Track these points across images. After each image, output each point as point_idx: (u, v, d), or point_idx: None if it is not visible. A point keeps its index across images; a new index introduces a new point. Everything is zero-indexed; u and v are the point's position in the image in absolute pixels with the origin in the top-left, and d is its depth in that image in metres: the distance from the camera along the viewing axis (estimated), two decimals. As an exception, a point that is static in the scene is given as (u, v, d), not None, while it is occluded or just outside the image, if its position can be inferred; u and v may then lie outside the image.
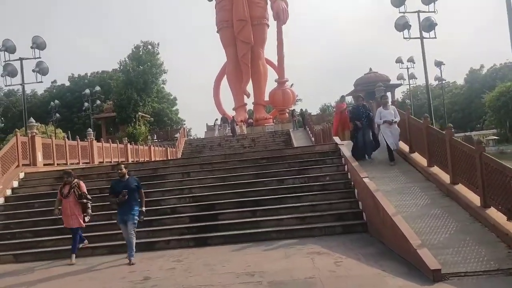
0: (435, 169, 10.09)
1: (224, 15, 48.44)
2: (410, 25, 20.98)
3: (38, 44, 19.94)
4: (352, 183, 11.51)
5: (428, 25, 20.94)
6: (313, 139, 34.78)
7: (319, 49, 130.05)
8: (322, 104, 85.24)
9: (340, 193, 11.45)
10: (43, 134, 29.57)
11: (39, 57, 20.21)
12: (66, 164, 17.11)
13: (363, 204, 10.41)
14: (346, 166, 12.55)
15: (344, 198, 11.20)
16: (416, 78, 43.89)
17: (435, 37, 21.11)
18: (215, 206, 11.40)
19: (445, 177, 9.41)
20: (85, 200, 9.47)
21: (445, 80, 50.65)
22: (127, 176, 9.00)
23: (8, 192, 13.21)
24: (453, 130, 8.96)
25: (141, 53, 41.52)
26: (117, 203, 8.80)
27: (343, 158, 13.03)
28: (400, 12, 21.03)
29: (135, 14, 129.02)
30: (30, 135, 15.22)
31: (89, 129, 21.71)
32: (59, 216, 9.51)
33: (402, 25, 20.97)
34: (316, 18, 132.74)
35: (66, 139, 18.21)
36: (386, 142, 11.94)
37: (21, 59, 19.80)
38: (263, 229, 10.25)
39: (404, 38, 21.17)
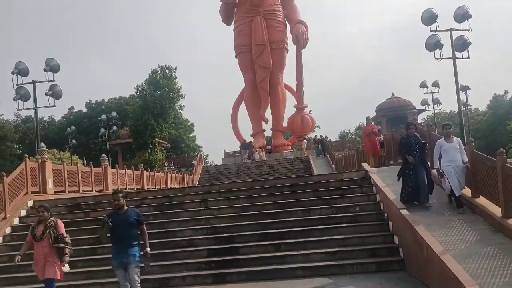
0: (482, 200, 9.02)
1: (243, 40, 47.70)
2: (442, 44, 19.96)
3: (52, 67, 19.30)
4: (386, 215, 10.49)
5: (461, 44, 19.91)
6: (333, 166, 33.77)
7: (337, 75, 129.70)
8: (341, 131, 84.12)
9: (372, 225, 10.46)
10: (58, 161, 29.04)
11: (53, 80, 19.62)
12: (78, 191, 16.39)
13: (399, 239, 9.38)
14: (378, 196, 11.54)
15: (377, 232, 10.20)
16: (441, 103, 42.55)
17: (469, 57, 20.11)
18: (235, 239, 10.48)
19: (495, 210, 8.33)
20: (61, 245, 7.25)
21: (470, 105, 49.28)
22: (125, 208, 7.07)
23: (15, 221, 12.44)
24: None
25: (158, 78, 41.09)
26: (111, 241, 7.07)
27: (374, 187, 12.04)
28: (431, 31, 20.11)
29: (154, 40, 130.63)
30: (40, 160, 14.53)
31: (103, 155, 21.03)
32: (19, 263, 7.65)
33: (433, 44, 19.95)
34: (332, 44, 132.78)
35: (79, 165, 17.54)
36: (450, 185, 9.25)
37: (33, 82, 19.23)
38: (289, 265, 9.30)
39: (435, 58, 20.06)
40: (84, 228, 11.39)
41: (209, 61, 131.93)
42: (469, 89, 42.02)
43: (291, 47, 48.35)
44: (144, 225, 7.21)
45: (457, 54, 19.82)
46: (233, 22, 49.20)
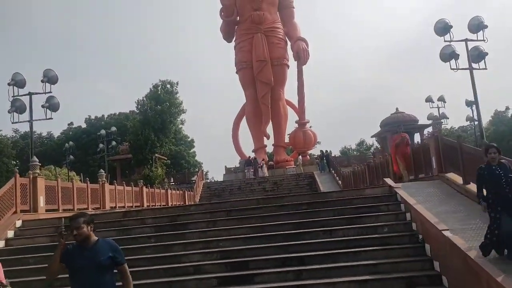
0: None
1: (244, 56, 47.54)
2: (458, 55, 19.07)
3: (50, 78, 18.08)
4: (421, 237, 9.23)
5: (477, 55, 19.05)
6: (340, 182, 32.64)
7: (335, 91, 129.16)
8: (342, 147, 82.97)
9: (405, 249, 9.17)
10: (54, 177, 27.75)
11: (50, 92, 18.38)
12: (73, 209, 15.07)
13: (441, 265, 8.10)
14: (408, 215, 10.29)
15: (411, 256, 8.92)
16: (448, 118, 41.58)
17: (486, 68, 19.20)
18: (249, 264, 9.17)
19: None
20: None
21: (477, 120, 48.05)
22: (93, 239, 4.51)
23: (1, 244, 11.11)
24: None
25: (159, 92, 40.16)
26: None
27: (402, 204, 10.80)
28: (445, 41, 19.26)
29: (155, 56, 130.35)
30: (31, 176, 13.22)
31: (101, 170, 19.77)
32: None
33: (448, 55, 19.07)
34: (328, 61, 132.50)
35: (75, 181, 16.26)
36: None
37: (30, 93, 17.98)
38: (313, 296, 8.01)
39: (451, 69, 19.18)
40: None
41: (209, 77, 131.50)
42: (475, 103, 40.99)
43: (292, 63, 48.06)
44: (126, 265, 4.65)
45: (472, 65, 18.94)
46: (234, 39, 49.24)
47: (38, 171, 13.76)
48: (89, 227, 4.49)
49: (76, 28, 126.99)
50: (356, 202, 11.54)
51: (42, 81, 18.14)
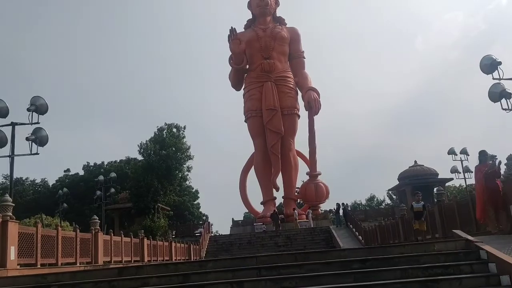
0: None
1: (253, 104, 45.95)
2: (510, 93, 16.88)
3: (38, 107, 15.41)
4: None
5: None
6: (360, 237, 29.72)
7: (342, 144, 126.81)
8: (352, 202, 79.63)
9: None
10: (45, 227, 24.86)
11: (38, 122, 15.54)
12: (56, 264, 12.20)
13: None
14: (504, 278, 7.52)
15: None
16: (471, 171, 39.09)
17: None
18: None
19: None
20: None
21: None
22: None
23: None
24: None
25: (164, 136, 37.72)
26: None
27: (491, 264, 8.02)
28: (493, 79, 17.15)
29: (156, 104, 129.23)
30: (0, 219, 10.40)
31: (94, 216, 16.96)
32: None
33: (499, 94, 16.90)
34: (333, 117, 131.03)
35: (60, 229, 13.40)
36: None
37: (13, 124, 15.30)
38: None
39: (502, 109, 17.04)
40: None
41: (215, 126, 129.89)
42: (496, 158, 38.61)
43: (303, 113, 46.25)
44: None
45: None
46: (243, 87, 47.76)
47: (10, 213, 10.93)
48: None
49: (77, 75, 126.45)
50: (424, 260, 8.73)
51: (28, 109, 15.41)
